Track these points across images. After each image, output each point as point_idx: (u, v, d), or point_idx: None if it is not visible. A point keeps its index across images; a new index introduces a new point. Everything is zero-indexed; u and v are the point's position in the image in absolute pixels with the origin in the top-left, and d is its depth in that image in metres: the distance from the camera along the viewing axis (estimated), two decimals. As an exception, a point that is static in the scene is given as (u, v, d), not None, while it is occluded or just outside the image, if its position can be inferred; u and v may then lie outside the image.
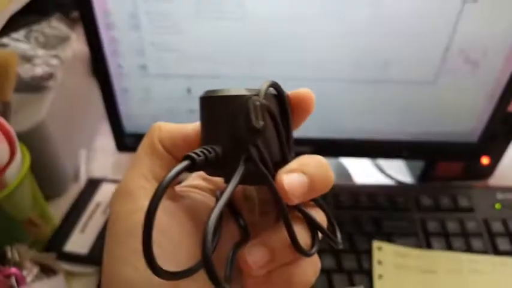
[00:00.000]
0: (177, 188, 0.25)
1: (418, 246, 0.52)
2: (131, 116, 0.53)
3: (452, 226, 0.54)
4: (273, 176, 0.21)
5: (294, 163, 0.21)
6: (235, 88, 0.21)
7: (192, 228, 0.22)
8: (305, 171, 0.21)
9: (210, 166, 0.20)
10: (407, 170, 0.67)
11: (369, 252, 0.51)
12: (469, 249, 0.52)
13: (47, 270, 0.51)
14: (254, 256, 0.21)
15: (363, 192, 0.57)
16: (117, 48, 0.47)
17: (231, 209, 0.25)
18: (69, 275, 0.51)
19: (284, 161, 0.22)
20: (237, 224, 0.24)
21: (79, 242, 0.54)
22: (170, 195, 0.23)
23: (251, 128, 0.19)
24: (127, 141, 0.55)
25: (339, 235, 0.25)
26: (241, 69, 0.48)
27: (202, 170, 0.21)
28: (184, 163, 0.19)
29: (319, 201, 0.24)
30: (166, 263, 0.19)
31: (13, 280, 0.47)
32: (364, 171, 0.66)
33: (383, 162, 0.67)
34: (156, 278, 0.18)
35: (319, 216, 0.23)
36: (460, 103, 0.52)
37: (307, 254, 0.21)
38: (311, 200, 0.23)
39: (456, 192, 0.58)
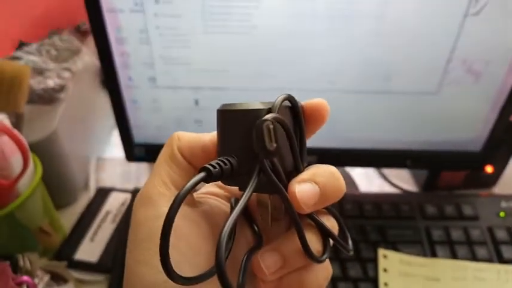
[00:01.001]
0: (195, 194, 0.26)
1: (423, 254, 0.52)
2: (140, 126, 0.54)
3: (456, 234, 0.54)
4: (286, 186, 0.22)
5: (306, 173, 0.22)
6: (251, 102, 0.22)
7: (209, 234, 0.23)
8: (317, 181, 0.22)
9: (225, 177, 0.21)
10: (412, 178, 0.67)
11: (374, 261, 0.51)
12: (473, 257, 0.52)
13: (57, 279, 0.53)
14: (267, 262, 0.22)
15: (367, 201, 0.57)
16: (127, 61, 0.48)
17: (246, 215, 0.26)
18: (79, 282, 0.52)
19: (297, 170, 0.23)
20: (251, 230, 0.25)
21: (89, 250, 0.55)
22: (189, 201, 0.24)
23: (264, 148, 0.20)
24: (136, 151, 0.56)
25: (350, 242, 0.26)
26: (248, 82, 0.49)
27: (218, 180, 0.21)
28: (201, 175, 0.20)
29: (331, 209, 0.25)
30: (185, 268, 0.20)
31: (25, 288, 0.48)
32: (369, 180, 0.67)
33: (387, 171, 0.68)
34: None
35: (331, 223, 0.24)
36: (463, 113, 0.53)
37: (318, 260, 0.22)
38: (323, 208, 0.24)
39: (460, 200, 0.58)
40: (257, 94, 0.50)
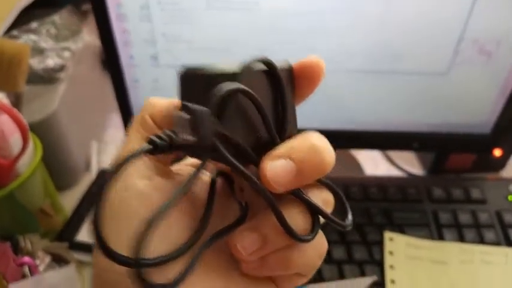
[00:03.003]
0: (175, 166, 0.24)
1: (430, 237, 0.52)
2: (141, 105, 0.53)
3: (464, 218, 0.53)
4: (257, 161, 0.20)
5: (281, 147, 0.20)
6: (220, 64, 0.19)
7: (185, 206, 0.21)
8: (293, 157, 0.19)
9: (177, 149, 0.19)
10: (418, 161, 0.66)
11: (380, 244, 0.51)
12: (481, 240, 0.51)
13: (58, 260, 0.52)
14: (244, 242, 0.20)
15: (373, 184, 0.56)
16: (128, 39, 0.47)
17: (231, 186, 0.24)
18: (80, 264, 0.52)
19: (273, 143, 0.20)
20: (238, 203, 0.23)
21: (88, 232, 0.54)
22: (162, 172, 0.21)
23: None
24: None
25: (350, 216, 0.23)
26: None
27: (168, 153, 0.19)
28: (142, 148, 0.17)
29: (325, 181, 0.22)
30: (160, 244, 0.19)
31: (26, 269, 0.48)
32: (374, 164, 0.66)
33: (394, 154, 0.67)
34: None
35: (323, 196, 0.21)
36: (473, 94, 0.52)
37: (302, 239, 0.20)
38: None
39: (468, 184, 0.57)
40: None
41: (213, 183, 0.22)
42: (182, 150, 0.19)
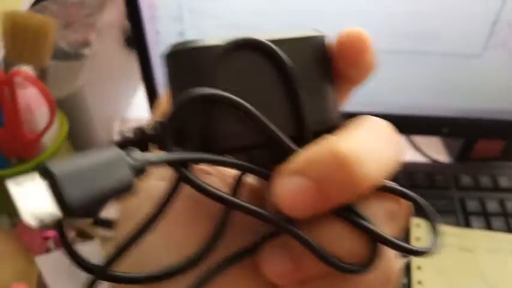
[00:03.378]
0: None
1: (457, 225, 0.51)
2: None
3: (492, 206, 0.52)
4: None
5: (295, 159, 0.15)
6: (203, 39, 0.15)
7: (198, 215, 0.17)
8: (309, 174, 0.14)
9: (164, 142, 0.15)
10: (444, 148, 0.65)
11: (406, 229, 0.50)
12: (509, 229, 0.50)
13: (82, 235, 0.52)
14: (271, 263, 0.16)
15: (400, 170, 0.55)
16: (155, 14, 0.46)
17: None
18: (104, 240, 0.52)
19: (283, 148, 0.15)
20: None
21: (114, 208, 0.54)
22: (165, 177, 0.17)
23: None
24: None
25: (434, 238, 0.17)
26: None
27: (158, 147, 0.15)
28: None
29: (392, 185, 0.16)
30: (170, 257, 0.16)
31: (51, 243, 0.48)
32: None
33: (419, 140, 0.65)
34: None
35: (387, 208, 0.16)
36: (506, 79, 0.50)
37: (348, 270, 0.15)
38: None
39: (496, 171, 0.56)
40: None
41: (237, 184, 0.17)
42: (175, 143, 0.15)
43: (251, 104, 0.15)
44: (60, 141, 0.48)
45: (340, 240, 0.15)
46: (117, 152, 0.13)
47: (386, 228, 0.16)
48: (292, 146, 0.15)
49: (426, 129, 0.54)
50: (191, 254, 0.16)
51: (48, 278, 0.46)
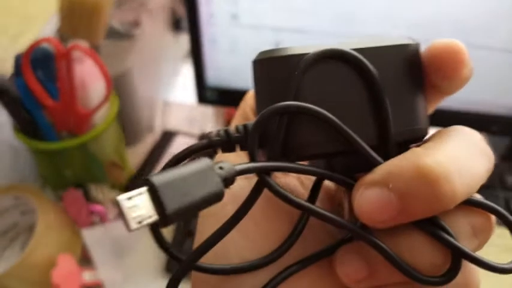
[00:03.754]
0: None
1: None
2: (215, 68, 0.52)
3: (539, 207, 0.51)
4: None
5: (378, 170, 0.15)
6: (293, 47, 0.16)
7: (278, 216, 0.18)
8: (391, 186, 0.14)
9: (234, 147, 0.16)
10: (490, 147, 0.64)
11: (449, 226, 0.49)
12: (557, 232, 0.49)
13: (126, 212, 0.53)
14: (345, 267, 0.16)
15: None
16: (210, -4, 0.47)
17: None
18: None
19: (368, 159, 0.15)
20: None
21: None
22: (248, 177, 0.18)
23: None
24: (208, 95, 0.55)
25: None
26: (335, 25, 0.47)
27: (227, 151, 0.16)
28: (196, 143, 0.16)
29: (478, 200, 0.16)
30: (250, 255, 0.17)
31: (97, 217, 0.49)
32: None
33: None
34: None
35: (472, 222, 0.15)
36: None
37: (427, 281, 0.15)
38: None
39: (544, 173, 0.54)
40: (337, 40, 0.47)
41: (316, 186, 0.18)
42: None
43: (334, 113, 0.15)
44: (110, 120, 0.49)
45: (419, 252, 0.15)
46: (208, 164, 0.14)
47: (470, 244, 0.15)
48: (375, 156, 0.15)
49: (475, 126, 0.53)
50: (269, 252, 0.17)
51: (92, 250, 0.47)
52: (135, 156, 0.61)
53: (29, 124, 0.47)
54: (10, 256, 0.51)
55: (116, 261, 0.48)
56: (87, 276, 0.46)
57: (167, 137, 0.63)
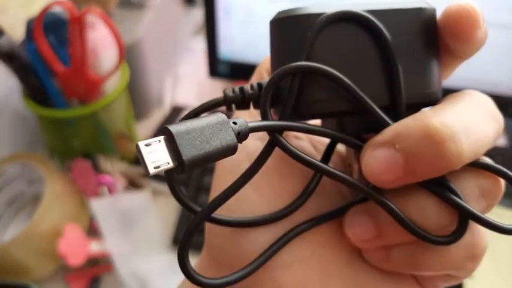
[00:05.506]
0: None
1: None
2: (229, 40, 0.51)
3: (553, 193, 0.50)
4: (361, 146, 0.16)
5: (387, 132, 0.15)
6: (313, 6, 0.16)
7: (292, 173, 0.18)
8: (398, 147, 0.14)
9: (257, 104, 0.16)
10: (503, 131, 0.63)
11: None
12: None
13: (134, 184, 0.52)
14: (354, 227, 0.16)
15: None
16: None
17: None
18: (154, 193, 0.52)
19: (378, 121, 0.16)
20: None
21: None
22: (261, 137, 0.19)
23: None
24: (220, 68, 0.54)
25: None
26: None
27: (244, 108, 0.17)
28: (213, 99, 0.17)
29: (486, 162, 0.16)
30: (263, 210, 0.17)
31: (105, 188, 0.48)
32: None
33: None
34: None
35: (480, 184, 0.16)
36: None
37: (434, 241, 0.15)
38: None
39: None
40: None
41: (330, 148, 0.18)
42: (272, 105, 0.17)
43: (347, 73, 0.15)
44: (121, 89, 0.48)
45: (427, 213, 0.15)
46: (223, 118, 0.14)
47: (477, 205, 0.16)
48: (384, 116, 0.15)
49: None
50: (280, 208, 0.17)
51: (100, 221, 0.46)
52: (144, 130, 0.60)
53: (38, 91, 0.46)
54: (17, 225, 0.50)
55: (123, 233, 0.47)
56: (94, 246, 0.46)
57: (176, 112, 0.62)
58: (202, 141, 0.14)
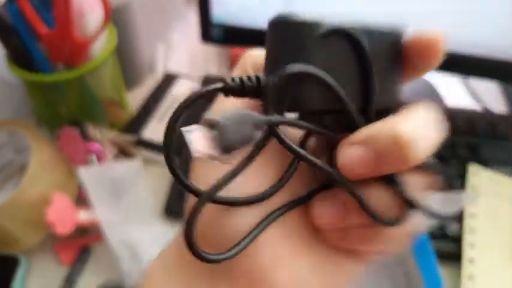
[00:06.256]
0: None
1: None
2: (223, 2, 0.49)
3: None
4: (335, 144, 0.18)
5: (360, 133, 0.18)
6: (313, 17, 0.18)
7: (273, 158, 0.20)
8: (370, 147, 0.17)
9: (251, 95, 0.18)
10: (505, 99, 0.61)
11: (462, 177, 0.47)
12: None
13: (124, 153, 0.51)
14: (322, 209, 0.19)
15: (461, 116, 0.52)
16: None
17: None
18: (146, 162, 0.50)
19: (353, 122, 0.18)
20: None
21: (157, 130, 0.53)
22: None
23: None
24: (213, 32, 0.51)
25: (456, 206, 0.20)
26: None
27: (242, 97, 0.18)
28: (212, 86, 0.17)
29: (430, 162, 0.19)
30: (246, 189, 0.19)
31: (94, 157, 0.47)
32: (454, 94, 0.61)
33: (476, 86, 0.62)
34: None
35: (423, 180, 0.19)
36: None
37: (388, 223, 0.19)
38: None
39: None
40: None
41: (303, 142, 0.21)
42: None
43: (333, 77, 0.17)
44: (108, 52, 0.46)
45: (382, 200, 0.19)
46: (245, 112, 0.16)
47: (420, 195, 0.19)
48: (359, 118, 0.18)
49: (497, 74, 0.50)
50: (260, 191, 0.19)
51: (89, 189, 0.45)
52: (136, 97, 0.58)
53: (22, 54, 0.44)
54: (5, 195, 0.49)
55: (113, 202, 0.46)
56: (83, 215, 0.45)
57: (169, 79, 0.60)
58: (234, 133, 0.16)
